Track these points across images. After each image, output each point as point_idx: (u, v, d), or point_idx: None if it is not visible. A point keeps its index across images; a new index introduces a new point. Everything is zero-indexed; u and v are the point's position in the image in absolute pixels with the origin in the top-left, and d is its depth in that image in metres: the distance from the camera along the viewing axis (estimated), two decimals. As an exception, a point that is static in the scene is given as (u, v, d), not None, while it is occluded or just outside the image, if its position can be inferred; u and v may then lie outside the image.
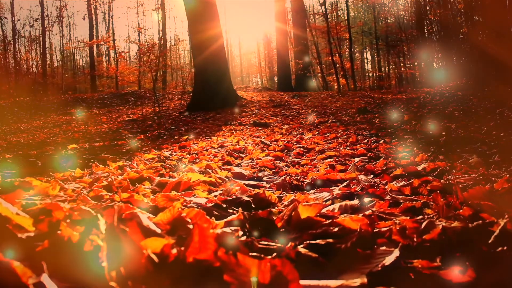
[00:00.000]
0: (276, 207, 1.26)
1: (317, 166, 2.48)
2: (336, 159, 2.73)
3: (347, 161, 2.62)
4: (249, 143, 4.16)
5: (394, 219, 0.97)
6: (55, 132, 8.22)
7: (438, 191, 1.50)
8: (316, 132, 5.12)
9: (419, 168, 2.06)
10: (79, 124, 10.14)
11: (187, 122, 8.17)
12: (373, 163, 2.42)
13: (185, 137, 5.08)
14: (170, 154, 3.14)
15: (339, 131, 5.02)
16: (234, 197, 1.26)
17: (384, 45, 27.12)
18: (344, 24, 18.08)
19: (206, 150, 3.48)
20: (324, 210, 1.07)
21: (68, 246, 0.69)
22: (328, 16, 17.29)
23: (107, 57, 31.55)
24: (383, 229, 0.87)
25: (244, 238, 0.75)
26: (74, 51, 35.72)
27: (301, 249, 0.77)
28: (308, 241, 0.79)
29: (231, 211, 1.05)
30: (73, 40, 35.70)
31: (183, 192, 1.41)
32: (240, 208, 1.16)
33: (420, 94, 10.53)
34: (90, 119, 11.61)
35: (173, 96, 16.11)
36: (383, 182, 1.74)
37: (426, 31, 19.48)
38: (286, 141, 4.13)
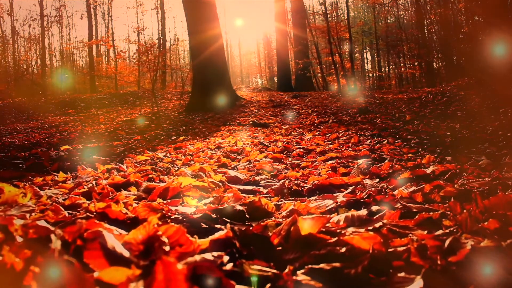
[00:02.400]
0: (273, 217, 1.12)
1: (318, 168, 2.33)
2: (338, 161, 2.59)
3: (350, 163, 2.48)
4: (248, 144, 4.01)
5: (410, 235, 0.83)
6: (52, 133, 8.07)
7: (453, 198, 1.36)
8: (317, 133, 4.98)
9: (428, 171, 1.92)
10: (76, 124, 9.99)
11: (185, 122, 8.03)
12: (378, 165, 2.28)
13: (181, 138, 4.94)
14: (164, 156, 3.00)
15: (340, 131, 4.88)
16: (226, 205, 1.12)
17: (384, 45, 27.01)
18: (344, 24, 17.96)
19: (202, 151, 3.34)
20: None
21: (9, 277, 0.55)
22: (328, 16, 17.16)
23: (106, 57, 31.42)
24: (399, 249, 0.73)
25: (230, 265, 0.61)
26: (73, 52, 35.61)
27: (301, 275, 0.63)
28: (310, 266, 0.65)
29: (218, 226, 0.91)
30: (72, 41, 35.60)
31: (170, 200, 1.27)
32: (231, 220, 1.02)
33: (421, 94, 10.38)
34: (88, 119, 11.48)
35: (172, 97, 15.98)
36: (391, 187, 1.60)
37: (426, 31, 19.38)
38: (285, 142, 3.99)
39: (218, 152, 3.25)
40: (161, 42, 23.93)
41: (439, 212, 0.98)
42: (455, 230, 0.88)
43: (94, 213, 0.97)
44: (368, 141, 3.75)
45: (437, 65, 21.18)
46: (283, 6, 21.79)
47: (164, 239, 0.66)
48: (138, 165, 2.34)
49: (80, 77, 31.26)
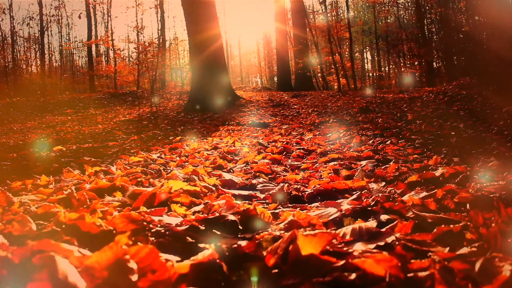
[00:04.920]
0: (269, 228, 0.99)
1: (319, 170, 2.21)
2: (341, 162, 2.46)
3: (352, 165, 2.35)
4: (246, 144, 3.89)
5: (431, 254, 0.70)
6: (48, 133, 7.94)
7: (469, 205, 1.24)
8: (317, 133, 4.85)
9: (437, 173, 1.79)
10: (74, 124, 9.87)
11: (184, 122, 7.91)
12: (383, 167, 2.15)
13: (178, 138, 4.81)
14: (158, 157, 2.87)
15: (341, 131, 4.76)
16: (217, 215, 1.00)
17: (385, 44, 26.90)
18: (344, 24, 17.84)
19: (198, 152, 3.21)
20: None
21: None
22: (328, 15, 17.05)
23: (106, 57, 31.27)
24: (420, 274, 0.60)
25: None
26: (73, 51, 35.48)
27: (301, 311, 0.51)
28: (312, 298, 0.53)
29: (202, 246, 0.79)
30: (71, 40, 35.45)
31: (155, 208, 1.14)
32: (222, 232, 0.89)
33: (422, 93, 10.25)
34: (85, 119, 11.35)
35: (172, 96, 15.89)
36: (399, 192, 1.48)
37: (426, 30, 19.28)
38: (285, 142, 3.86)
39: (215, 153, 3.12)
40: (161, 41, 23.78)
41: (460, 224, 0.86)
42: (481, 247, 0.76)
43: (64, 226, 0.85)
44: (371, 141, 3.62)
45: (437, 65, 21.06)
46: (283, 6, 21.68)
47: (133, 264, 0.54)
48: (129, 167, 2.21)
49: (79, 77, 31.13)
